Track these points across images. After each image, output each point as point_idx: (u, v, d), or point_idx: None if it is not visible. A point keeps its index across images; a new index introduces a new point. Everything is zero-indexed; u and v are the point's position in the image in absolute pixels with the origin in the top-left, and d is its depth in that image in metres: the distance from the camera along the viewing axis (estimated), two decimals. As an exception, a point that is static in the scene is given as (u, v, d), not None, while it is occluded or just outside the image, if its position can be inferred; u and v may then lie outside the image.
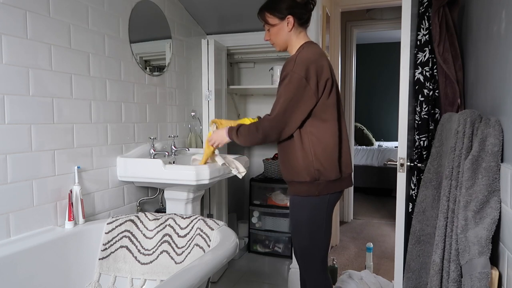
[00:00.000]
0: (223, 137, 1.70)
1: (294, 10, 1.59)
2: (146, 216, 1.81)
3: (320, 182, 1.55)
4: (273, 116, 1.52)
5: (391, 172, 5.29)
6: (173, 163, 2.19)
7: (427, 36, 1.80)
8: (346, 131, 1.65)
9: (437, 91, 1.82)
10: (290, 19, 1.59)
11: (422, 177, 1.70)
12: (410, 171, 1.79)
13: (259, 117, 1.79)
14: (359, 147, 5.71)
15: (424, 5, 1.82)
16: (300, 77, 1.49)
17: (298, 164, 1.56)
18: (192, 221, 1.75)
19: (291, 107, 1.50)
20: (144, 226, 1.79)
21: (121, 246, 1.75)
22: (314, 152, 1.55)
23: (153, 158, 2.11)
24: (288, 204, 1.93)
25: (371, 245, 2.84)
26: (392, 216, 4.31)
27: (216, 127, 1.85)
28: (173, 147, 2.30)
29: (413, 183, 1.83)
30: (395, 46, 6.23)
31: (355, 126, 5.71)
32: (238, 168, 2.02)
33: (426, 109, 1.80)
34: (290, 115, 1.51)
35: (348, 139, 1.66)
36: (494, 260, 1.18)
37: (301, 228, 1.61)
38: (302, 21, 1.62)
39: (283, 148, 1.63)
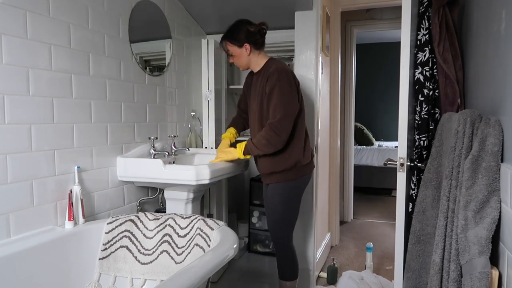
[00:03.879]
0: (233, 155, 1.99)
1: (249, 39, 1.94)
2: (146, 216, 1.81)
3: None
4: (280, 118, 1.82)
5: (391, 172, 5.29)
6: (173, 163, 2.19)
7: (427, 36, 1.80)
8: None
9: (437, 91, 1.82)
10: (247, 46, 1.95)
11: (422, 177, 1.70)
12: (410, 171, 1.79)
13: (230, 126, 2.23)
14: (359, 147, 5.71)
15: (424, 5, 1.82)
16: (289, 83, 1.86)
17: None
18: (192, 221, 1.75)
19: (289, 111, 1.85)
20: (144, 226, 1.79)
21: (121, 246, 1.75)
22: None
23: (153, 158, 2.11)
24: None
25: (371, 245, 2.84)
26: (392, 216, 4.31)
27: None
28: (173, 147, 2.30)
29: (413, 183, 1.83)
30: (395, 46, 6.23)
31: (355, 126, 5.71)
32: None
33: (426, 109, 1.80)
34: (292, 117, 1.87)
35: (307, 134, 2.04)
36: (494, 260, 1.18)
37: None
38: (258, 45, 1.98)
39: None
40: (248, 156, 1.98)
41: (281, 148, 1.89)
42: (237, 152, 1.96)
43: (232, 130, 2.22)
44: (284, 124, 1.83)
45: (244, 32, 1.93)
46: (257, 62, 2.00)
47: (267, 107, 1.89)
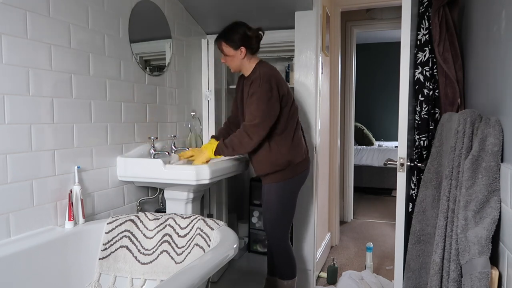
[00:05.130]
0: (206, 156, 1.99)
1: (245, 43, 1.93)
2: (146, 216, 1.81)
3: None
4: (255, 123, 1.84)
5: (391, 172, 5.29)
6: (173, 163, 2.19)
7: (427, 36, 1.80)
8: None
9: (437, 91, 1.82)
10: (243, 49, 1.94)
11: (422, 177, 1.70)
12: (410, 171, 1.79)
13: (213, 137, 2.22)
14: (359, 147, 5.71)
15: (424, 5, 1.82)
16: (269, 89, 1.86)
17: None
18: (192, 221, 1.75)
19: (266, 118, 1.86)
20: (144, 226, 1.79)
21: (121, 246, 1.75)
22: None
23: (153, 158, 2.10)
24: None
25: (371, 245, 2.84)
26: (392, 216, 4.31)
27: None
28: (173, 147, 2.30)
29: (413, 183, 1.83)
30: (395, 46, 6.23)
31: (355, 126, 5.71)
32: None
33: (426, 109, 1.80)
34: (267, 124, 1.87)
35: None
36: (494, 260, 1.18)
37: None
38: (253, 50, 1.98)
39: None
40: (218, 156, 1.99)
41: (268, 150, 1.94)
42: (208, 154, 1.97)
43: (214, 143, 2.13)
44: (258, 129, 1.85)
45: (241, 35, 1.92)
46: (249, 66, 2.00)
47: (246, 110, 1.92)
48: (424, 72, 1.80)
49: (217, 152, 1.95)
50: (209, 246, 1.61)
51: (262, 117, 1.84)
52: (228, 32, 1.94)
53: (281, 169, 1.97)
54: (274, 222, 2.05)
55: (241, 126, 1.89)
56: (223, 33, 1.97)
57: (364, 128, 6.02)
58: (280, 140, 1.96)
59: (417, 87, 1.81)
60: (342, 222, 4.07)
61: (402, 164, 1.62)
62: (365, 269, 2.81)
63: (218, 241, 1.55)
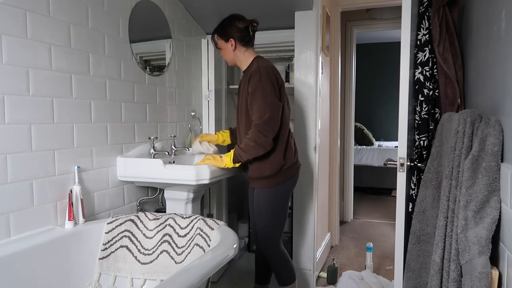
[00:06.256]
0: (221, 163, 1.92)
1: (235, 34, 1.93)
2: (146, 216, 1.81)
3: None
4: (266, 119, 1.79)
5: (391, 172, 5.30)
6: (173, 163, 2.19)
7: (427, 36, 1.80)
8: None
9: (437, 91, 1.82)
10: (232, 41, 1.94)
11: (422, 177, 1.70)
12: (410, 171, 1.79)
13: (230, 129, 2.26)
14: (359, 147, 5.71)
15: (424, 5, 1.82)
16: (271, 83, 1.83)
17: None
18: (192, 220, 1.75)
19: (275, 111, 1.82)
20: (144, 226, 1.79)
21: (121, 246, 1.75)
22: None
23: (153, 158, 2.11)
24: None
25: (371, 244, 2.84)
26: (392, 216, 4.31)
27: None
28: (173, 147, 2.30)
29: (413, 183, 1.83)
30: (395, 46, 6.23)
31: (355, 126, 5.71)
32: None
33: (426, 109, 1.80)
34: (278, 118, 1.84)
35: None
36: (494, 260, 1.19)
37: None
38: (244, 42, 1.95)
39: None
40: (237, 164, 1.91)
41: (266, 152, 1.86)
42: (226, 161, 1.90)
43: (226, 132, 2.27)
44: (271, 124, 1.80)
45: (233, 27, 1.92)
46: (244, 60, 1.98)
47: (250, 108, 1.85)
48: (424, 72, 1.80)
49: (236, 159, 1.88)
50: (209, 246, 1.61)
51: (271, 111, 1.79)
52: (221, 25, 1.97)
53: (272, 175, 1.92)
54: (266, 229, 1.99)
55: (253, 126, 1.81)
56: (216, 26, 2.00)
57: (364, 128, 6.02)
58: (275, 142, 1.88)
59: (417, 87, 1.81)
60: (342, 222, 4.07)
61: (402, 164, 1.62)
62: (365, 269, 2.81)
63: (218, 241, 1.55)
